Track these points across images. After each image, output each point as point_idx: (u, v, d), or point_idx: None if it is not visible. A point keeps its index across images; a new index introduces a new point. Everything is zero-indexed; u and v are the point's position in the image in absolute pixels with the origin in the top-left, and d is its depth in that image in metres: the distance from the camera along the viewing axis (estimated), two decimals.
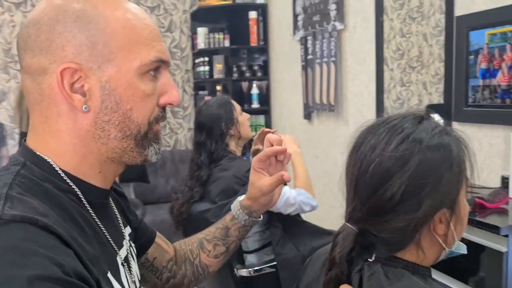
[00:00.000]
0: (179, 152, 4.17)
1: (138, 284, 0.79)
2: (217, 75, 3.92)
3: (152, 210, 3.63)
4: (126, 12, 0.67)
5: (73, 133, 0.67)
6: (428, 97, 2.20)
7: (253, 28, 3.83)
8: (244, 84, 4.12)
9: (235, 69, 3.92)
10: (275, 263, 1.75)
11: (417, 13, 2.23)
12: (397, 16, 2.36)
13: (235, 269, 1.80)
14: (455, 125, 1.98)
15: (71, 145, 0.67)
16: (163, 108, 0.72)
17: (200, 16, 4.04)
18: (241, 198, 1.00)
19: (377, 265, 0.75)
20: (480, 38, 1.82)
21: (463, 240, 1.47)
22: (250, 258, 1.87)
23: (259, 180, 0.95)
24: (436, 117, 0.81)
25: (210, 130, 1.85)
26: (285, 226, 1.80)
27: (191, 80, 4.25)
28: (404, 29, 2.33)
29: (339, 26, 2.77)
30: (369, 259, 0.77)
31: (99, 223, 0.70)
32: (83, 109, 0.66)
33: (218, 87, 3.98)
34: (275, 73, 3.82)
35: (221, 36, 3.90)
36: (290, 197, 1.78)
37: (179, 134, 4.29)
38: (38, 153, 0.67)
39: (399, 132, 0.73)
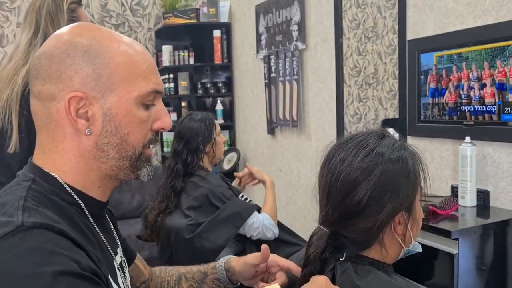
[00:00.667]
0: None
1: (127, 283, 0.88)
2: (182, 91, 3.99)
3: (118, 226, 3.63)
4: (128, 48, 0.77)
5: (77, 153, 0.76)
6: (384, 112, 2.35)
7: (217, 46, 3.94)
8: (208, 101, 4.22)
9: (199, 85, 4.01)
10: None
11: (372, 33, 2.40)
12: (354, 35, 2.52)
13: None
14: (409, 139, 2.14)
15: (75, 163, 0.76)
16: (156, 133, 0.82)
17: (164, 34, 4.12)
18: (231, 257, 1.10)
19: (347, 263, 0.87)
20: (429, 60, 2.00)
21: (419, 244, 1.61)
22: None
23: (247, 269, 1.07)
24: (391, 131, 0.95)
25: (188, 142, 1.93)
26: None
27: None
28: (360, 47, 2.49)
29: (301, 46, 2.93)
30: (340, 259, 0.88)
31: (99, 231, 0.79)
32: (86, 132, 0.74)
33: (183, 104, 4.06)
34: (238, 89, 3.94)
35: (186, 53, 3.98)
36: (255, 221, 1.89)
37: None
38: (45, 170, 0.75)
39: (365, 147, 0.86)
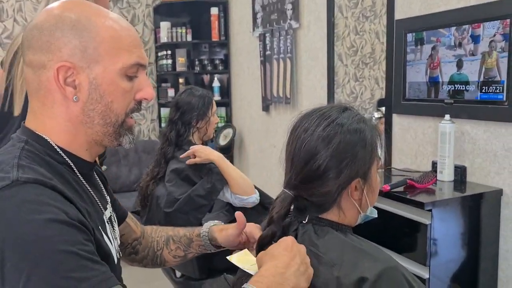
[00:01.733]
0: (142, 142, 4.28)
1: (118, 241, 0.97)
2: (179, 68, 4.05)
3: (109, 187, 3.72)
4: (114, 23, 0.83)
5: (65, 117, 0.83)
6: (380, 92, 2.38)
7: (215, 24, 3.99)
8: (206, 77, 4.28)
9: (197, 62, 4.07)
10: None
11: (370, 12, 2.43)
12: (352, 14, 2.53)
13: None
14: (395, 117, 2.22)
15: (64, 127, 0.84)
16: (139, 102, 0.89)
17: (163, 11, 4.16)
18: (213, 223, 1.18)
19: (308, 225, 0.96)
20: (414, 40, 2.06)
21: (395, 215, 1.71)
22: None
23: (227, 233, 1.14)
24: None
25: (183, 114, 2.03)
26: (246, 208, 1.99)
27: (154, 73, 4.36)
28: (358, 27, 2.51)
29: (294, 24, 2.98)
30: (303, 221, 0.97)
31: (88, 187, 0.88)
32: (74, 99, 0.82)
33: (181, 80, 4.13)
34: (235, 67, 4.00)
35: (184, 30, 4.03)
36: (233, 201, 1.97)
37: (142, 125, 4.40)
38: (37, 132, 0.83)
39: (327, 117, 0.95)
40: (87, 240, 0.73)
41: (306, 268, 0.85)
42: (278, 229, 0.96)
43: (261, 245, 0.96)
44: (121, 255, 0.99)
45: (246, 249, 0.99)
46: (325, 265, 0.89)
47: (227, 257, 0.98)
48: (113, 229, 0.95)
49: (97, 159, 1.10)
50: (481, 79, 1.77)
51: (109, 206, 0.96)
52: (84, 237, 0.73)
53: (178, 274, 2.07)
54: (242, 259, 0.97)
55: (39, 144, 0.82)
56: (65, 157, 0.84)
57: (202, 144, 2.13)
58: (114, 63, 0.82)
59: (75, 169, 0.85)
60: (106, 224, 0.90)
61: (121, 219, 1.10)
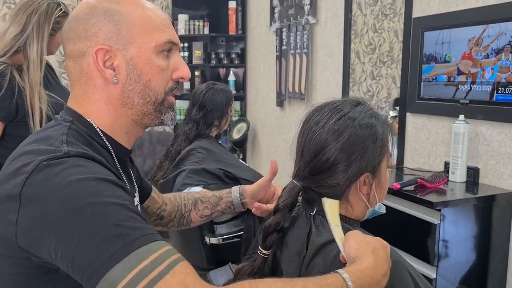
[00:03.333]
0: (157, 133, 4.31)
1: None
2: (196, 61, 4.07)
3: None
4: (143, 7, 0.88)
5: (107, 101, 0.87)
6: (397, 91, 2.34)
7: (232, 17, 3.99)
8: (222, 71, 4.29)
9: (213, 56, 4.08)
10: (241, 233, 1.96)
11: (389, 10, 2.41)
12: (371, 12, 2.51)
13: (206, 238, 2.00)
14: (409, 116, 2.20)
15: (106, 111, 0.88)
16: (177, 82, 0.93)
17: (181, 3, 4.18)
18: (243, 185, 1.26)
19: (318, 217, 0.96)
20: (431, 38, 2.03)
21: (404, 214, 1.70)
22: (220, 229, 2.07)
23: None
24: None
25: (206, 115, 2.07)
26: None
27: None
28: (377, 24, 2.49)
29: (311, 20, 2.96)
30: (311, 213, 0.98)
31: (122, 174, 0.92)
32: (113, 81, 0.86)
33: (197, 73, 4.14)
34: (251, 61, 4.00)
35: (201, 23, 4.04)
36: None
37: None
38: (81, 115, 0.88)
39: (339, 111, 0.95)
40: (132, 202, 0.77)
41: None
42: (284, 218, 0.96)
43: (266, 233, 0.97)
44: None
45: (338, 202, 0.95)
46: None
47: (322, 198, 0.94)
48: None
49: None
50: (497, 79, 1.75)
51: (137, 194, 1.00)
52: (130, 200, 0.77)
53: None
54: (333, 210, 0.93)
55: (83, 125, 0.86)
56: (106, 141, 0.88)
57: (216, 136, 2.17)
58: (147, 42, 0.86)
59: (113, 154, 0.89)
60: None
61: (148, 194, 1.16)
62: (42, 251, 0.71)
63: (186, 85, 4.14)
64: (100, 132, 0.87)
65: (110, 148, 0.88)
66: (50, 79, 1.91)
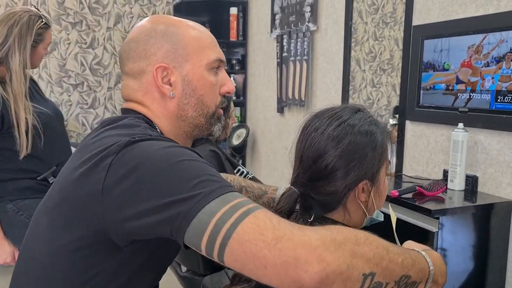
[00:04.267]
0: None
1: None
2: None
3: None
4: (195, 29, 0.98)
5: (163, 114, 0.95)
6: (397, 99, 2.34)
7: (233, 24, 4.00)
8: None
9: None
10: None
11: (390, 18, 2.41)
12: (372, 20, 2.52)
13: None
14: (408, 124, 2.20)
15: (162, 122, 0.96)
16: (223, 96, 1.00)
17: (183, 9, 4.19)
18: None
19: (315, 224, 0.96)
20: (430, 47, 2.04)
21: (402, 221, 1.70)
22: None
23: None
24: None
25: None
26: None
27: None
28: (377, 32, 2.50)
29: (312, 27, 2.97)
30: (308, 220, 0.97)
31: None
32: (171, 95, 0.94)
33: None
34: (252, 67, 4.01)
35: None
36: None
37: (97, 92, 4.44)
38: (149, 118, 0.95)
39: (338, 118, 0.94)
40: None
41: None
42: None
43: None
44: None
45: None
46: None
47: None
48: None
49: None
50: (497, 88, 1.75)
51: None
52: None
53: (184, 269, 2.09)
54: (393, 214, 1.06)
55: (153, 127, 0.94)
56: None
57: (216, 142, 2.15)
58: (200, 60, 0.95)
59: None
60: None
61: None
62: (131, 212, 0.76)
63: None
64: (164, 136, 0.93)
65: None
66: (33, 92, 1.91)
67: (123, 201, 0.76)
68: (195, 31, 0.96)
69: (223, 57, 1.00)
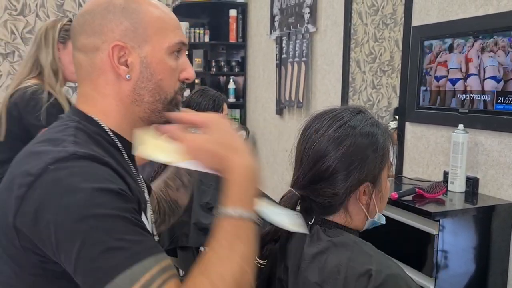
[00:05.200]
0: None
1: (153, 219, 1.01)
2: (196, 68, 4.06)
3: None
4: (157, 8, 0.89)
5: (117, 97, 0.87)
6: (397, 100, 2.33)
7: (233, 26, 4.00)
8: (222, 79, 4.29)
9: (213, 63, 4.07)
10: None
11: (390, 20, 2.40)
12: (371, 21, 2.51)
13: (200, 247, 1.97)
14: (408, 125, 2.18)
15: (115, 107, 0.87)
16: (182, 82, 0.93)
17: (182, 11, 4.18)
18: None
19: (315, 226, 0.94)
20: (430, 47, 2.02)
21: (402, 224, 1.68)
22: None
23: None
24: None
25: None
26: None
27: None
28: (377, 34, 2.49)
29: (311, 28, 2.96)
30: (309, 222, 0.96)
31: (134, 171, 0.91)
32: (127, 77, 0.85)
33: (197, 81, 4.13)
34: (251, 69, 3.99)
35: (202, 31, 4.05)
36: None
37: None
38: (88, 114, 0.87)
39: (339, 119, 0.93)
40: (136, 211, 0.76)
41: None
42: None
43: (262, 243, 0.95)
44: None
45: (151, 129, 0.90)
46: (338, 248, 0.88)
47: (135, 153, 0.89)
48: (151, 213, 0.97)
49: None
50: (498, 89, 1.73)
51: (145, 189, 0.99)
52: (135, 207, 0.76)
53: (182, 272, 2.07)
54: (153, 147, 0.87)
55: (91, 125, 0.86)
56: (115, 139, 0.87)
57: None
58: (161, 43, 0.87)
59: (123, 152, 0.88)
60: (147, 205, 0.93)
61: (150, 192, 1.14)
62: (46, 246, 0.72)
63: (186, 93, 4.12)
64: (108, 130, 0.87)
65: (120, 146, 0.88)
66: None
67: (38, 239, 0.72)
68: (158, 11, 0.88)
69: (186, 40, 0.92)
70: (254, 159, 0.82)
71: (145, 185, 0.99)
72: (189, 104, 2.06)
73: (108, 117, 0.87)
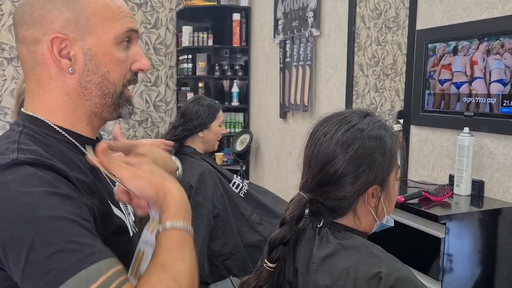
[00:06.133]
0: None
1: (133, 217, 0.96)
2: (199, 72, 4.08)
3: None
4: None
5: (62, 92, 0.83)
6: (400, 103, 2.34)
7: (236, 29, 4.01)
8: (225, 83, 4.29)
9: (217, 67, 4.08)
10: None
11: (393, 23, 2.41)
12: (374, 25, 2.51)
13: None
14: (413, 128, 2.19)
15: (62, 102, 0.83)
16: (135, 74, 0.90)
17: (185, 15, 4.20)
18: None
19: (324, 229, 0.95)
20: (435, 51, 2.03)
21: (408, 227, 1.68)
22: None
23: None
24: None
25: (186, 121, 2.05)
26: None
27: (174, 76, 4.40)
28: (380, 37, 2.49)
29: (315, 32, 2.97)
30: (318, 225, 0.96)
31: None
32: (70, 71, 0.81)
33: (200, 84, 4.15)
34: (255, 73, 4.00)
35: (205, 35, 4.06)
36: None
37: (160, 128, 4.43)
38: (34, 115, 0.83)
39: (347, 122, 0.94)
40: (85, 215, 0.73)
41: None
42: (290, 230, 0.94)
43: (271, 246, 0.95)
44: (137, 230, 0.97)
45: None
46: (348, 250, 0.88)
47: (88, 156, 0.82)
48: (126, 205, 0.93)
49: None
50: (504, 92, 1.74)
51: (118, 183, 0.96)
52: (83, 211, 0.73)
53: None
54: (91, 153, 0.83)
55: (37, 126, 0.82)
56: (66, 134, 0.84)
57: (206, 154, 2.15)
58: (106, 33, 0.83)
59: (78, 145, 0.85)
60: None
61: None
62: None
63: (190, 97, 4.14)
64: (56, 127, 0.83)
65: (73, 140, 0.84)
66: None
67: None
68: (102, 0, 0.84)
69: (136, 26, 0.87)
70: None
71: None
72: (185, 113, 2.07)
73: (55, 114, 0.84)
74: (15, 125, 0.83)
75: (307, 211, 0.99)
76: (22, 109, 0.86)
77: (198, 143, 2.10)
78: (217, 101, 2.19)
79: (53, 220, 0.67)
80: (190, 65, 4.09)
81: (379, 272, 0.83)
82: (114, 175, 0.78)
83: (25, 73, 0.85)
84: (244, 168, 3.98)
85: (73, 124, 0.85)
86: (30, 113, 0.84)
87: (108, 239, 0.76)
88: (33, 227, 0.66)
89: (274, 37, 3.51)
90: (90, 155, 0.79)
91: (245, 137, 3.95)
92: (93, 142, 0.89)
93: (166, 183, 0.78)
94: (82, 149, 0.85)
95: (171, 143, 1.96)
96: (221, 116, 2.13)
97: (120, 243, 0.84)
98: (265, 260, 0.94)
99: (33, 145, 0.77)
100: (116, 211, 0.85)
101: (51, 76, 0.82)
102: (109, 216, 0.82)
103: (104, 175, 0.87)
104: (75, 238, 0.67)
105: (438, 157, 2.06)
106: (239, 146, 3.93)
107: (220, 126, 2.13)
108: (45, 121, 0.83)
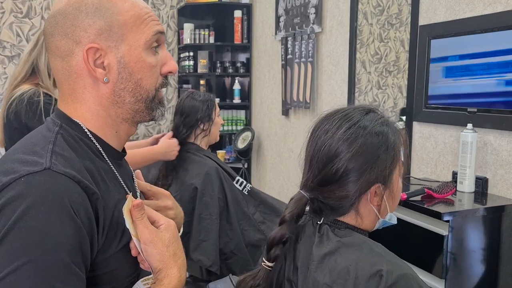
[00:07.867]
0: None
1: None
2: (201, 70, 4.06)
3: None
4: (131, 3, 0.85)
5: (96, 101, 0.84)
6: (403, 101, 2.32)
7: (238, 27, 3.99)
8: (227, 80, 4.28)
9: (218, 65, 4.07)
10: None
11: (395, 20, 2.39)
12: (377, 21, 2.50)
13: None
14: (415, 125, 2.17)
15: (95, 111, 0.84)
16: (165, 77, 0.90)
17: (186, 12, 4.18)
18: None
19: (325, 226, 0.93)
20: (438, 46, 2.00)
21: (411, 225, 1.67)
22: None
23: None
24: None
25: (186, 117, 2.02)
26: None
27: (176, 74, 4.38)
28: (383, 34, 2.47)
29: (317, 29, 2.95)
30: (318, 222, 0.94)
31: (118, 174, 0.87)
32: (104, 80, 0.82)
33: (202, 82, 4.13)
34: (256, 70, 3.98)
35: (207, 32, 4.04)
36: None
37: (162, 125, 4.42)
38: (70, 117, 0.84)
39: (349, 120, 0.91)
40: (86, 249, 0.73)
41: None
42: (290, 229, 0.93)
43: (270, 245, 0.93)
44: None
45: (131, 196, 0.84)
46: (348, 248, 0.87)
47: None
48: None
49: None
50: (507, 88, 1.72)
51: (139, 195, 0.96)
52: (84, 245, 0.73)
53: (187, 274, 2.07)
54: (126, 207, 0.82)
55: (72, 129, 0.83)
56: (96, 143, 0.84)
57: (208, 149, 2.13)
58: (137, 40, 0.83)
59: (105, 156, 0.85)
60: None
61: None
62: None
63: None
64: (90, 134, 0.84)
65: (101, 150, 0.85)
66: None
67: None
68: (133, 6, 0.84)
69: (162, 28, 0.88)
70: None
71: (135, 190, 0.96)
72: (183, 110, 2.05)
73: (89, 121, 0.84)
74: (51, 123, 0.84)
75: (307, 208, 0.98)
76: (58, 106, 0.87)
77: (199, 138, 2.08)
78: (209, 93, 2.18)
79: (49, 256, 0.68)
80: (191, 63, 4.07)
81: (380, 270, 0.81)
82: (135, 231, 0.78)
83: (59, 81, 0.86)
84: (246, 165, 3.97)
85: (104, 132, 0.86)
86: (67, 114, 0.85)
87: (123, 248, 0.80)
88: (28, 253, 0.67)
89: (276, 34, 3.49)
90: (126, 204, 0.79)
91: (247, 134, 3.94)
92: (120, 155, 0.90)
93: (174, 268, 0.79)
94: (108, 161, 0.86)
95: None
96: (217, 106, 2.13)
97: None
98: (263, 258, 0.93)
99: (67, 150, 0.78)
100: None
101: (85, 85, 0.83)
102: (123, 228, 0.82)
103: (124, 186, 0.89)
104: (56, 283, 0.67)
105: (441, 153, 2.04)
106: (241, 144, 3.92)
107: (219, 116, 2.12)
108: (80, 125, 0.84)
